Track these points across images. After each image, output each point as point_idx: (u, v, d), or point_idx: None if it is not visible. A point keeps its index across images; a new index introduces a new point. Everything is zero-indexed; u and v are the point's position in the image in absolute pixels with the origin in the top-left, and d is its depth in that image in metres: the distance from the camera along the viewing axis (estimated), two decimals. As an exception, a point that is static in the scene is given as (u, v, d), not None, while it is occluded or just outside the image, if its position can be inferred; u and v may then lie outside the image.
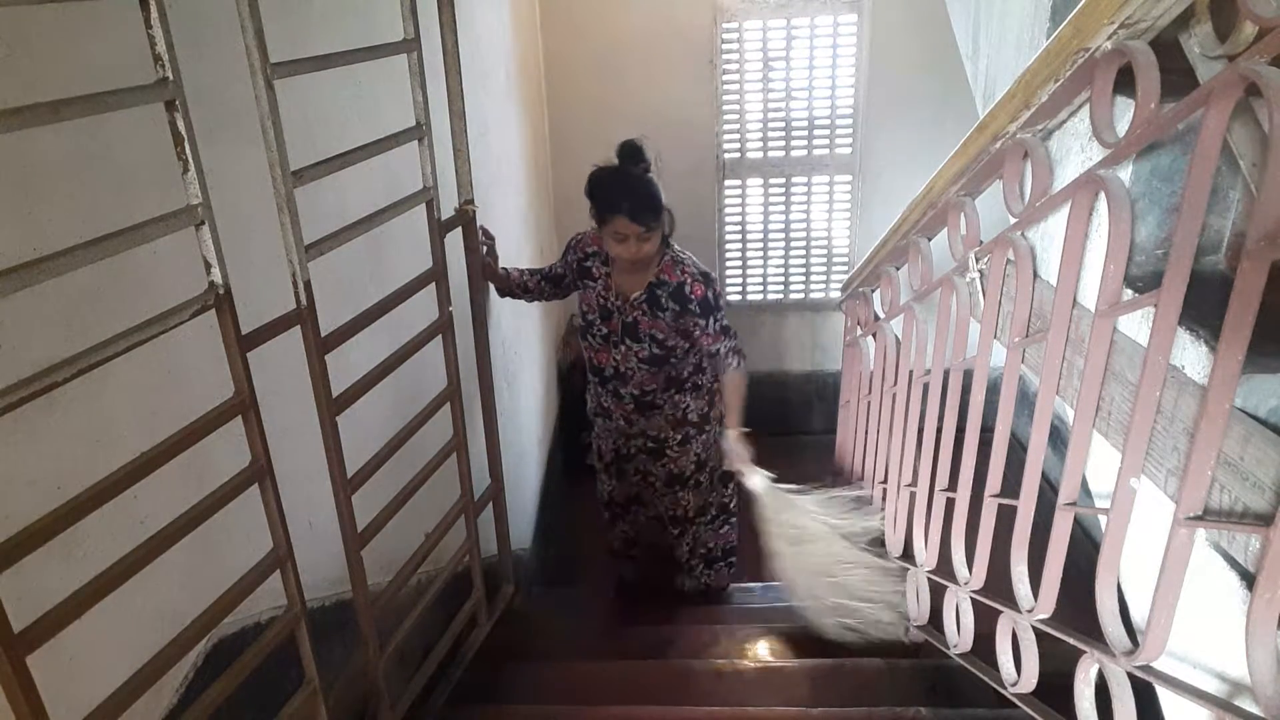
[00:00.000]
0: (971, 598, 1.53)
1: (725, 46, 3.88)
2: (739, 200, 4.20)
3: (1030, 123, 1.16)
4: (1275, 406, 0.82)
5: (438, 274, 1.68)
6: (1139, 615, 1.06)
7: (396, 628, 1.70)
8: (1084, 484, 1.13)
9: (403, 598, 1.70)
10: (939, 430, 1.65)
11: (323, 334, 1.29)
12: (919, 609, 1.88)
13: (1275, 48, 0.74)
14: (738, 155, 4.10)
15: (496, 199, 2.69)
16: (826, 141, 4.03)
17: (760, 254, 4.31)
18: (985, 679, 1.54)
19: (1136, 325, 0.97)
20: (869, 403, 2.24)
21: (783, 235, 4.26)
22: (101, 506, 0.88)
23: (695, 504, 2.69)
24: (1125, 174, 1.00)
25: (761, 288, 4.40)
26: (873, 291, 2.29)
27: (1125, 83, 0.94)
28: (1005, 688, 1.42)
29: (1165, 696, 0.99)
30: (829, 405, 4.23)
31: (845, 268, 4.28)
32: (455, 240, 1.84)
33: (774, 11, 3.79)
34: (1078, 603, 1.15)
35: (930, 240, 1.72)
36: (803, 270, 4.34)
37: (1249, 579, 0.82)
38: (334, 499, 1.40)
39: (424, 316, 1.67)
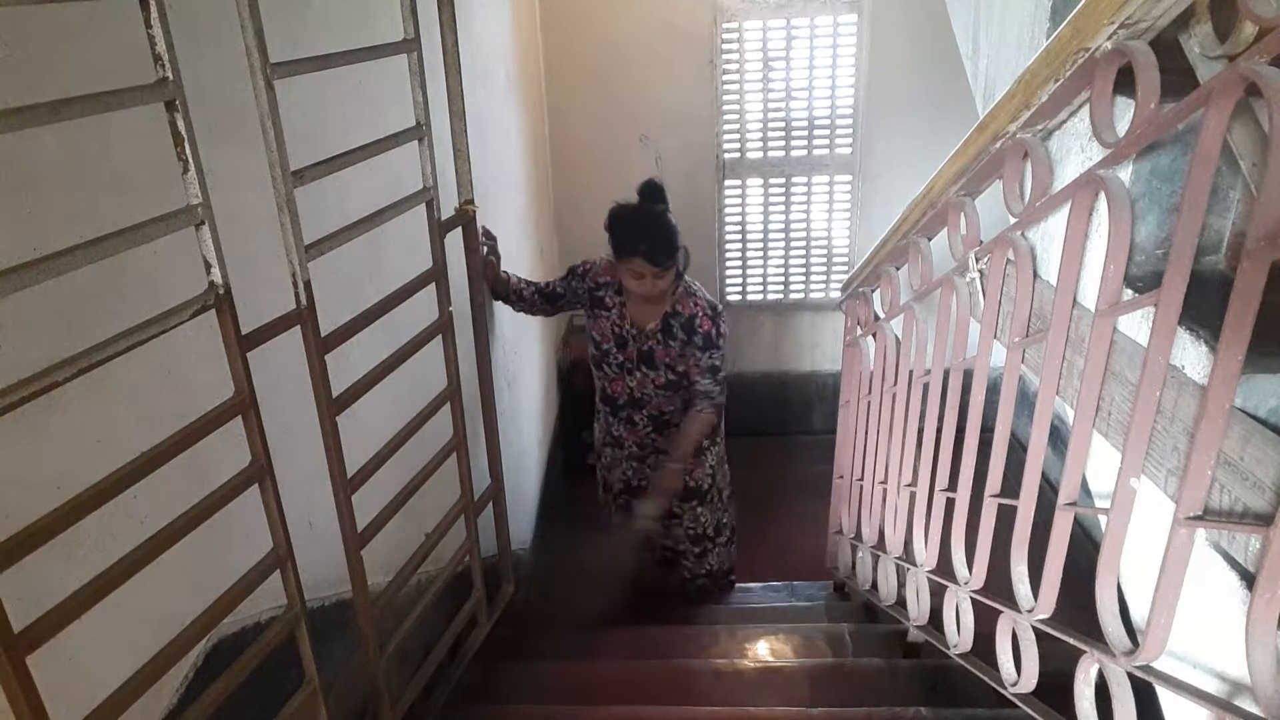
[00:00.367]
0: (971, 598, 1.53)
1: (725, 46, 3.88)
2: (739, 200, 4.20)
3: (1030, 123, 1.16)
4: (1275, 406, 0.82)
5: (438, 274, 1.68)
6: (1139, 615, 1.06)
7: (396, 628, 1.70)
8: (1084, 484, 1.13)
9: (403, 598, 1.70)
10: (939, 430, 1.65)
11: (323, 334, 1.29)
12: (919, 609, 1.88)
13: (1275, 48, 0.74)
14: (738, 155, 4.10)
15: (496, 199, 2.69)
16: (826, 141, 4.03)
17: (760, 254, 4.31)
18: (985, 679, 1.54)
19: (1136, 325, 0.97)
20: (869, 403, 2.24)
21: (783, 235, 4.26)
22: (101, 506, 0.88)
23: (712, 520, 2.73)
24: (1125, 174, 1.00)
25: (761, 288, 4.40)
26: (873, 291, 2.28)
27: (1125, 83, 0.94)
28: (1005, 688, 1.42)
29: (1165, 696, 0.99)
30: (829, 405, 4.24)
31: (845, 268, 4.28)
32: (455, 240, 1.84)
33: (774, 11, 3.79)
34: (1078, 603, 1.15)
35: (930, 240, 1.72)
36: (803, 270, 4.34)
37: (1249, 579, 0.82)
38: (334, 499, 1.40)
39: (424, 316, 1.67)
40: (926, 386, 1.71)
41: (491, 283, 2.37)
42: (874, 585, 2.24)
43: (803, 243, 4.28)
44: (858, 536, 2.43)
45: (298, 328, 1.23)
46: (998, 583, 1.38)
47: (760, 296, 4.42)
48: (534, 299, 2.47)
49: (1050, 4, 1.46)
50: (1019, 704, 1.39)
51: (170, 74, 0.89)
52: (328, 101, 1.54)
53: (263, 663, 1.17)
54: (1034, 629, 1.29)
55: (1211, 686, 0.91)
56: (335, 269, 1.49)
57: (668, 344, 2.39)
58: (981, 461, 1.37)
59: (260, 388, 1.12)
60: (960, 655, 1.65)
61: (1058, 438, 2.82)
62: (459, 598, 2.08)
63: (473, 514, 1.98)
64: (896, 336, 1.97)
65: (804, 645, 2.35)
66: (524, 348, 3.12)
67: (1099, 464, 1.11)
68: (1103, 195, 0.99)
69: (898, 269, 1.98)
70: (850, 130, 4.00)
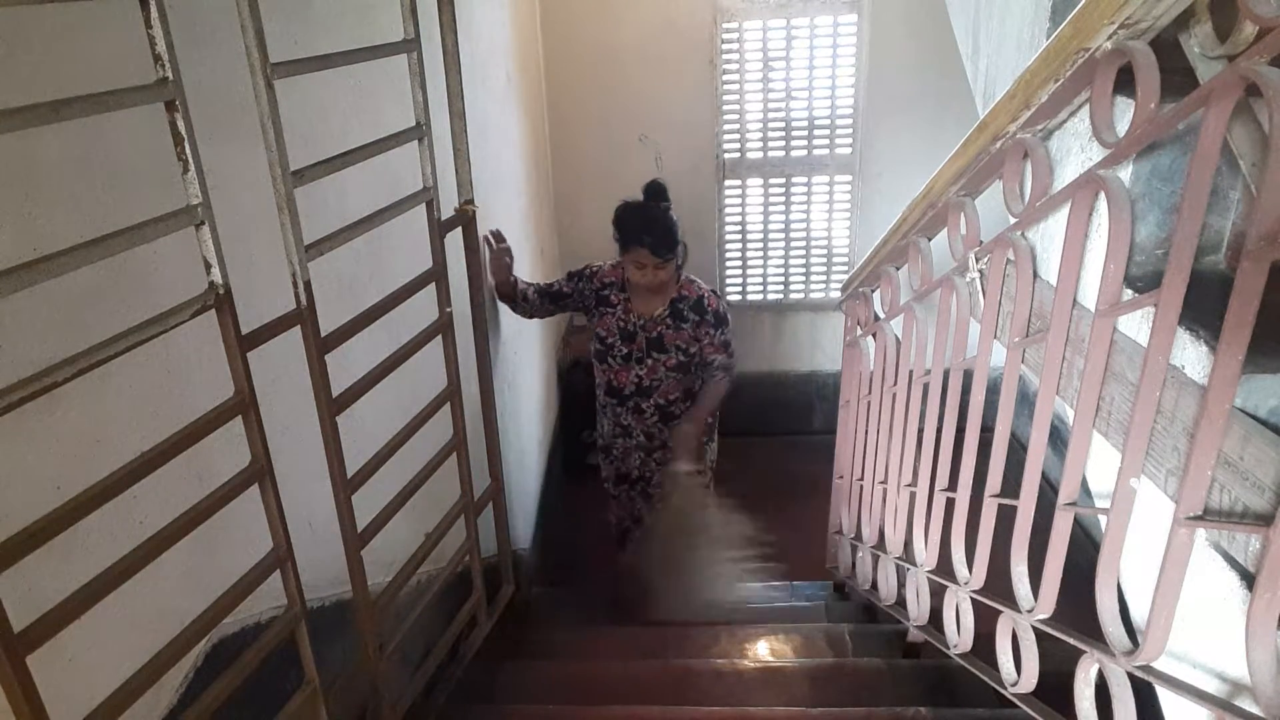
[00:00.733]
0: (971, 598, 1.53)
1: (725, 46, 3.88)
2: (739, 200, 4.20)
3: (1030, 123, 1.16)
4: (1275, 406, 0.82)
5: (438, 274, 1.68)
6: (1139, 615, 1.06)
7: (396, 628, 1.70)
8: (1084, 484, 1.13)
9: (403, 598, 1.70)
10: (939, 430, 1.65)
11: (323, 334, 1.29)
12: (919, 609, 1.88)
13: (1275, 48, 0.74)
14: (738, 155, 4.10)
15: (496, 199, 2.69)
16: (826, 141, 4.03)
17: (760, 254, 4.31)
18: (985, 679, 1.54)
19: (1136, 325, 0.97)
20: (869, 403, 2.24)
21: (783, 235, 4.26)
22: (101, 506, 0.88)
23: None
24: (1125, 174, 1.00)
25: (761, 288, 4.40)
26: (873, 291, 2.28)
27: (1125, 83, 0.94)
28: (1005, 688, 1.42)
29: (1165, 696, 0.99)
30: (829, 405, 4.23)
31: (845, 268, 4.28)
32: (455, 240, 1.84)
33: (774, 11, 3.79)
34: (1078, 603, 1.15)
35: (930, 240, 1.72)
36: (803, 270, 4.34)
37: (1249, 579, 0.82)
38: (334, 499, 1.40)
39: (424, 316, 1.67)
40: (926, 386, 1.71)
41: (501, 285, 2.53)
42: (874, 585, 2.24)
43: (803, 243, 4.28)
44: (858, 536, 2.43)
45: (298, 328, 1.23)
46: (998, 583, 1.38)
47: (760, 296, 4.42)
48: (538, 300, 2.64)
49: (1050, 4, 1.46)
50: (1019, 704, 1.39)
51: (170, 74, 0.89)
52: (328, 101, 1.54)
53: (263, 663, 1.17)
54: (1034, 629, 1.29)
55: (1211, 686, 0.91)
56: (335, 269, 1.49)
57: (679, 326, 2.58)
58: (981, 461, 1.37)
59: (260, 388, 1.12)
60: (960, 655, 1.65)
61: (1058, 438, 2.82)
62: (459, 598, 2.08)
63: (473, 514, 1.98)
64: (896, 336, 1.97)
65: (804, 645, 2.35)
66: (524, 348, 3.12)
67: (1099, 464, 1.10)
68: (1103, 195, 0.99)
69: (898, 269, 1.98)
70: (850, 130, 4.00)
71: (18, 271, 0.76)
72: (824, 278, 4.35)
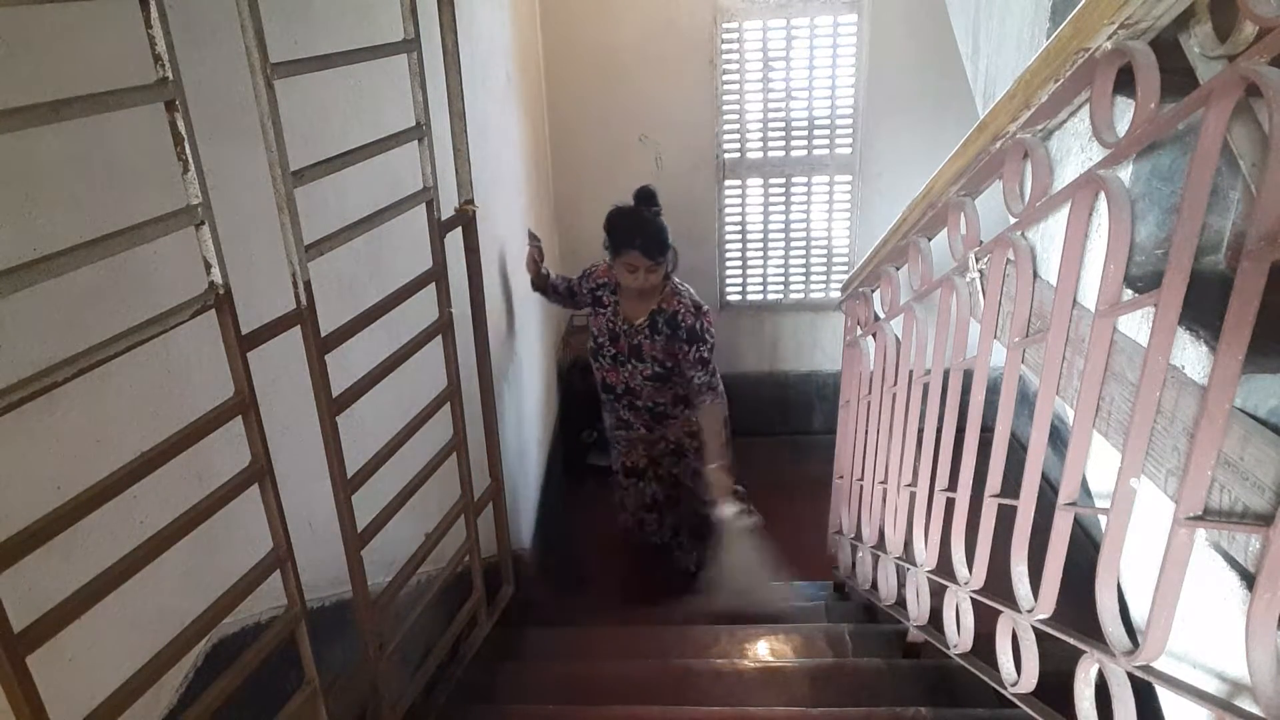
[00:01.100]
0: (971, 598, 1.53)
1: (725, 46, 3.88)
2: (739, 200, 4.20)
3: (1030, 123, 1.16)
4: (1275, 406, 0.82)
5: (438, 274, 1.68)
6: (1139, 615, 1.06)
7: (396, 628, 1.70)
8: (1084, 484, 1.13)
9: (403, 598, 1.70)
10: (939, 430, 1.65)
11: (323, 334, 1.29)
12: (919, 609, 1.88)
13: (1275, 48, 0.74)
14: (738, 155, 4.10)
15: (496, 199, 2.69)
16: (826, 141, 4.03)
17: (760, 254, 4.31)
18: (985, 679, 1.54)
19: (1136, 325, 0.97)
20: (869, 403, 2.23)
21: (783, 235, 4.26)
22: (101, 506, 0.88)
23: (687, 472, 3.01)
24: (1125, 174, 1.00)
25: (761, 288, 4.40)
26: (873, 291, 2.28)
27: (1125, 83, 0.94)
28: (1005, 688, 1.42)
29: (1165, 696, 0.99)
30: (829, 405, 4.24)
31: (845, 268, 4.28)
32: (455, 240, 1.84)
33: (774, 11, 3.79)
34: (1078, 603, 1.15)
35: (930, 240, 1.72)
36: (803, 270, 4.34)
37: (1249, 579, 0.82)
38: (334, 499, 1.40)
39: (424, 316, 1.67)
40: (926, 386, 1.71)
41: (534, 276, 2.87)
42: (874, 585, 2.24)
43: (802, 243, 4.28)
44: (858, 536, 2.43)
45: (298, 328, 1.23)
46: (998, 583, 1.38)
47: (760, 296, 4.42)
48: (567, 290, 2.88)
49: (1050, 4, 1.46)
50: (1019, 704, 1.39)
51: (170, 74, 0.89)
52: (328, 101, 1.54)
53: (263, 663, 1.17)
54: (1034, 629, 1.29)
55: (1211, 686, 0.91)
56: (335, 269, 1.49)
57: (654, 338, 2.65)
58: (981, 461, 1.37)
59: (260, 388, 1.12)
60: (960, 655, 1.65)
61: (1058, 438, 2.82)
62: (459, 598, 2.08)
63: (473, 514, 1.98)
64: (896, 336, 1.97)
65: (804, 645, 2.35)
66: (524, 348, 3.12)
67: (1099, 464, 1.10)
68: (1103, 195, 0.99)
69: (898, 269, 1.98)
70: (850, 130, 4.00)
71: (18, 271, 0.75)
72: (824, 278, 4.35)
